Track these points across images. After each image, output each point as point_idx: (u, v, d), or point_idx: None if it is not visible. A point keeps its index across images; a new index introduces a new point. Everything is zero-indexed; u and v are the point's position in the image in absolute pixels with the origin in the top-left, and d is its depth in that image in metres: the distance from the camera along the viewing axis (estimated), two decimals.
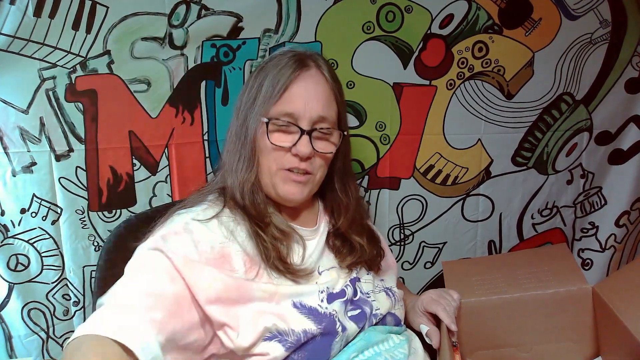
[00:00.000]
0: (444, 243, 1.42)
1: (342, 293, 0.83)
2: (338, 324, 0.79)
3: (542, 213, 1.44)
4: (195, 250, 0.73)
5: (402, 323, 0.93)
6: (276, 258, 0.78)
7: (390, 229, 1.38)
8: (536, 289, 0.97)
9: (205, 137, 1.22)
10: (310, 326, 0.76)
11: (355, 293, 0.86)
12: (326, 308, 0.79)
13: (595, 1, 1.27)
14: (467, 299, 0.99)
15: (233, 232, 0.78)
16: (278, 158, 0.82)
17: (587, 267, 1.48)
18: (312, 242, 0.89)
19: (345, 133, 0.88)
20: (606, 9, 1.29)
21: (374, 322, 0.86)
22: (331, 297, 0.81)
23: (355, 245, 0.90)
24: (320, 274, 0.85)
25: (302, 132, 0.81)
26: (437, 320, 0.91)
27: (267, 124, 0.80)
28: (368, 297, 0.88)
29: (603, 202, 1.45)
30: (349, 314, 0.83)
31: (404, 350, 0.83)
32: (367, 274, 0.92)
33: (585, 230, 1.48)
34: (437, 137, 1.33)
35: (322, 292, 0.81)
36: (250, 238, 0.79)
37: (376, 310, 0.87)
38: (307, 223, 0.92)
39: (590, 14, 1.29)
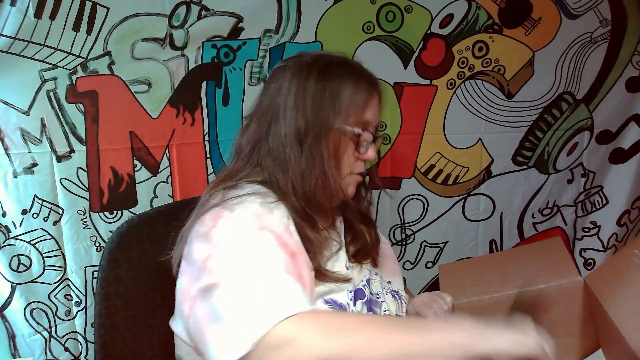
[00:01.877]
0: (445, 243, 1.42)
1: (362, 293, 0.83)
2: None
3: (543, 212, 1.44)
4: (283, 227, 0.74)
5: None
6: (318, 263, 0.78)
7: (391, 228, 1.38)
8: (527, 285, 0.96)
9: (206, 138, 1.22)
10: None
11: (371, 293, 0.86)
12: (353, 309, 0.79)
13: (595, 0, 1.27)
14: (460, 301, 0.99)
15: (290, 220, 0.78)
16: (352, 164, 0.84)
17: (589, 267, 1.48)
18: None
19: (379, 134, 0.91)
20: (606, 8, 1.29)
21: None
22: (355, 297, 0.82)
23: (358, 233, 0.90)
24: (349, 276, 0.84)
25: (375, 139, 0.85)
26: None
27: (358, 134, 0.81)
28: (378, 298, 0.87)
29: (604, 202, 1.45)
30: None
31: None
32: (376, 275, 0.91)
33: (587, 230, 1.48)
34: (438, 137, 1.33)
35: (350, 292, 0.81)
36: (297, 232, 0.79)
37: (384, 311, 0.86)
38: (331, 224, 0.91)
39: (590, 13, 1.29)
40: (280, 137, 0.79)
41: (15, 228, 1.14)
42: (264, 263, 0.66)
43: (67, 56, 1.09)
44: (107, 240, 1.18)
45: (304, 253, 0.75)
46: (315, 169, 0.78)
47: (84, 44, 1.09)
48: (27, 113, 1.10)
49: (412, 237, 1.40)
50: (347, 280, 0.81)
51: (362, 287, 0.85)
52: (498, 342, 0.59)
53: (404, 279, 1.39)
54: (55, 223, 1.16)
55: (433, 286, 1.45)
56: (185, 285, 0.71)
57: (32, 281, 1.17)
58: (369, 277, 0.89)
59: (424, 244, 1.42)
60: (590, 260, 1.49)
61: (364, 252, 0.89)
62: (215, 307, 0.62)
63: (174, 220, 0.91)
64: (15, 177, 1.12)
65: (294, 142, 0.78)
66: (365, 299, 0.83)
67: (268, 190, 0.80)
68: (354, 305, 0.80)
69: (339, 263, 0.83)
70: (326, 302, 0.77)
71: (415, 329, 0.61)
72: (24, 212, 1.14)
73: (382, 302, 0.88)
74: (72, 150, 1.14)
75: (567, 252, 1.03)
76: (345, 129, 0.80)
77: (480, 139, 1.35)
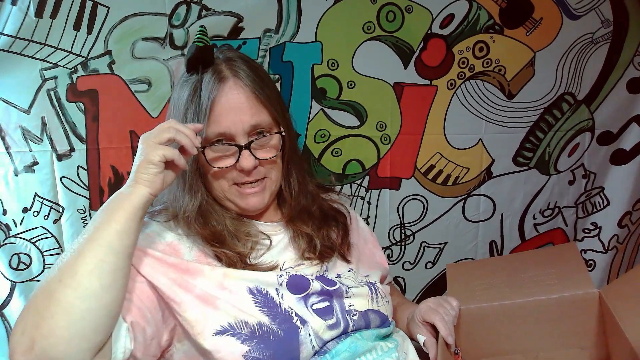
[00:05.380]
0: (445, 243, 1.42)
1: (303, 286, 0.81)
2: (295, 318, 0.77)
3: (543, 213, 1.44)
4: (149, 243, 0.78)
5: (390, 320, 0.91)
6: (235, 262, 0.80)
7: (391, 229, 1.38)
8: (540, 294, 0.94)
9: None
10: (265, 320, 0.76)
11: (322, 287, 0.83)
12: (282, 297, 0.78)
13: (597, 1, 1.27)
14: (468, 305, 0.96)
15: (187, 235, 0.81)
16: (226, 176, 0.83)
17: (590, 268, 1.47)
18: (276, 237, 0.88)
19: (283, 133, 0.85)
20: (608, 9, 1.28)
21: (353, 319, 0.83)
22: (290, 286, 0.80)
23: (300, 233, 0.89)
24: (282, 269, 0.84)
25: (241, 148, 0.80)
26: (436, 330, 0.89)
27: (202, 151, 0.79)
28: (347, 293, 0.85)
29: (605, 203, 1.45)
30: (314, 307, 0.80)
31: (391, 359, 0.81)
32: (349, 271, 0.90)
33: (587, 231, 1.48)
34: (438, 137, 1.33)
35: (280, 277, 0.81)
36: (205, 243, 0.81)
37: (349, 306, 0.84)
38: (273, 216, 0.92)
39: (591, 13, 1.28)
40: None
41: (16, 226, 1.15)
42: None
43: (67, 55, 1.10)
44: None
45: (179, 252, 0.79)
46: (188, 196, 0.82)
47: (85, 43, 1.10)
48: (27, 112, 1.10)
49: (411, 237, 1.40)
50: (271, 268, 0.82)
51: (309, 278, 0.83)
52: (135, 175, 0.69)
53: (403, 278, 1.41)
54: (55, 221, 1.17)
55: (432, 286, 1.44)
56: None
57: (32, 280, 1.18)
58: (339, 272, 0.89)
59: (424, 244, 1.41)
60: (591, 262, 1.48)
61: (316, 251, 0.88)
62: None
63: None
64: (16, 175, 1.12)
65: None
66: (307, 293, 0.81)
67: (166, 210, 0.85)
68: (285, 297, 0.79)
69: (266, 256, 0.84)
70: (250, 291, 0.78)
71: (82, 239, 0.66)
72: (25, 210, 1.14)
73: (350, 296, 0.85)
74: (72, 149, 1.15)
75: (582, 260, 1.00)
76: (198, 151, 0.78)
77: (480, 139, 1.35)
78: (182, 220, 0.81)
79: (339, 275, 0.88)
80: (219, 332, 0.73)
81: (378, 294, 0.90)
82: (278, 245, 0.87)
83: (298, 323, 0.77)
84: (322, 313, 0.80)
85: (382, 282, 0.98)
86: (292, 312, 0.78)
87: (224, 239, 0.81)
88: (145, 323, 0.72)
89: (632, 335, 0.82)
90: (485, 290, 1.00)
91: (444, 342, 0.85)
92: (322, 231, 0.90)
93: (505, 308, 0.96)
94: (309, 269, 0.86)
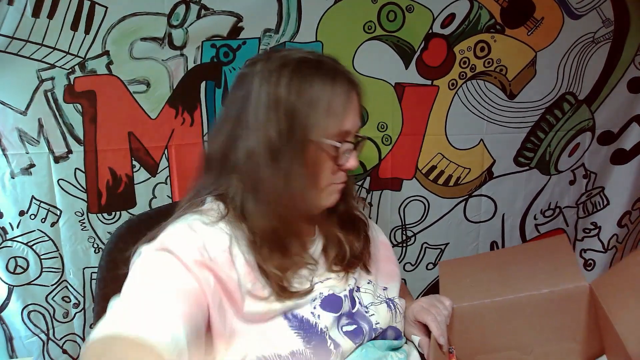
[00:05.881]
0: (446, 244, 1.41)
1: (337, 305, 0.79)
2: (329, 341, 0.75)
3: (544, 214, 1.43)
4: (200, 250, 0.70)
5: (403, 335, 0.90)
6: (278, 284, 0.74)
7: (392, 230, 1.37)
8: (531, 289, 0.94)
9: (206, 138, 1.21)
10: (299, 345, 0.72)
11: (353, 305, 0.81)
12: (318, 317, 0.75)
13: (598, 0, 1.26)
14: (461, 304, 0.95)
15: (237, 238, 0.74)
16: (332, 176, 0.78)
17: (589, 268, 1.48)
18: (312, 248, 0.85)
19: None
20: (609, 8, 1.28)
21: (374, 337, 0.82)
22: (325, 305, 0.77)
23: (334, 241, 0.85)
24: (313, 286, 0.79)
25: (355, 147, 0.78)
26: (428, 329, 0.88)
27: (335, 146, 0.75)
28: (367, 312, 0.83)
29: (605, 203, 1.45)
30: (344, 329, 0.78)
31: None
32: (368, 283, 0.88)
33: (587, 231, 1.48)
34: (439, 138, 1.32)
35: (314, 300, 0.77)
36: (250, 249, 0.75)
37: (376, 324, 0.83)
38: (309, 232, 0.87)
39: (592, 13, 1.28)
40: (250, 153, 0.73)
41: (13, 229, 1.13)
42: (137, 282, 0.66)
43: (65, 56, 1.08)
44: (105, 242, 1.17)
45: (233, 272, 0.71)
46: (291, 186, 0.72)
47: (82, 43, 1.08)
48: (24, 113, 1.09)
49: (412, 238, 1.40)
50: (307, 292, 0.77)
51: (342, 298, 0.80)
52: None
53: (404, 279, 1.40)
54: (53, 224, 1.15)
55: (434, 287, 1.44)
56: None
57: (29, 283, 1.16)
58: (358, 285, 0.86)
59: (425, 245, 1.41)
60: (591, 261, 1.48)
61: (344, 260, 0.84)
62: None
63: None
64: (12, 178, 1.11)
65: (267, 158, 0.72)
66: (341, 312, 0.78)
67: (216, 204, 0.77)
68: (320, 317, 0.76)
69: (301, 279, 0.78)
70: (286, 317, 0.74)
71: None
72: (22, 213, 1.13)
73: (372, 315, 0.83)
74: (69, 151, 1.13)
75: (573, 253, 1.00)
76: (322, 143, 0.74)
77: (481, 139, 1.34)
78: (274, 218, 0.74)
79: (358, 290, 0.85)
80: None
81: (397, 310, 0.88)
82: (314, 255, 0.84)
83: (332, 347, 0.74)
84: (353, 336, 0.78)
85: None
86: (327, 335, 0.75)
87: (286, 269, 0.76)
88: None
89: (621, 327, 0.82)
90: (477, 287, 0.99)
91: (436, 342, 0.84)
92: (349, 237, 0.87)
93: (497, 304, 0.95)
94: (338, 285, 0.82)
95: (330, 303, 0.78)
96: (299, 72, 0.74)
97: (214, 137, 0.80)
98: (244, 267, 0.73)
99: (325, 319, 0.76)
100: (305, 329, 0.74)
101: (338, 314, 0.78)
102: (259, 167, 0.73)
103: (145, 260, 0.69)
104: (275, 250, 0.75)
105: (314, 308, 0.77)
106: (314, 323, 0.75)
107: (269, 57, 0.76)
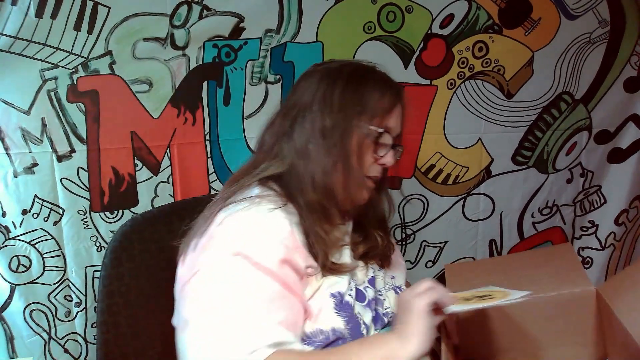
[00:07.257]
0: (445, 242, 1.42)
1: (362, 295, 0.83)
2: (363, 326, 0.79)
3: (542, 212, 1.45)
4: (276, 246, 0.73)
5: None
6: (327, 259, 0.79)
7: (391, 228, 1.38)
8: (537, 292, 0.93)
9: (207, 138, 1.22)
10: (339, 325, 0.76)
11: (372, 293, 0.85)
12: (354, 304, 0.80)
13: (594, 1, 1.28)
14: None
15: (291, 219, 0.77)
16: (369, 166, 0.84)
17: (587, 266, 1.49)
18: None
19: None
20: (605, 9, 1.29)
21: (386, 323, 0.85)
22: (357, 296, 0.82)
23: (370, 235, 0.91)
24: (354, 265, 0.85)
25: (394, 146, 0.85)
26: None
27: (380, 134, 0.82)
28: (380, 295, 0.88)
29: (602, 201, 1.46)
30: (370, 315, 0.82)
31: None
32: (379, 270, 0.92)
33: (585, 229, 1.49)
34: (438, 137, 1.34)
35: (352, 282, 0.82)
36: (300, 228, 0.78)
37: (386, 308, 0.87)
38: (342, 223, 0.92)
39: (589, 13, 1.29)
40: (304, 132, 0.81)
41: (15, 228, 1.13)
42: (230, 298, 0.68)
43: (68, 56, 1.09)
44: (107, 241, 1.17)
45: (304, 256, 0.76)
46: (338, 163, 0.80)
47: (85, 43, 1.09)
48: (27, 113, 1.09)
49: (412, 236, 1.41)
50: (351, 269, 0.82)
51: (363, 290, 0.84)
52: (413, 349, 0.68)
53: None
54: (55, 223, 1.16)
55: None
56: (180, 275, 0.78)
57: (31, 282, 1.17)
58: (374, 275, 0.89)
59: (424, 243, 1.42)
60: (588, 259, 1.49)
61: (372, 254, 0.90)
62: (185, 345, 0.68)
63: (177, 219, 0.92)
64: (15, 177, 1.11)
65: (319, 136, 0.80)
66: (367, 301, 0.83)
67: (274, 193, 0.80)
68: (354, 303, 0.80)
69: (344, 257, 0.84)
70: (332, 295, 0.78)
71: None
72: (24, 212, 1.13)
73: (384, 299, 0.88)
74: (72, 150, 1.14)
75: (578, 259, 1.02)
76: (368, 129, 0.81)
77: (480, 138, 1.35)
78: (321, 191, 0.80)
79: (373, 278, 0.89)
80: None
81: None
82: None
83: (364, 332, 0.79)
84: (375, 322, 0.83)
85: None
86: (360, 319, 0.79)
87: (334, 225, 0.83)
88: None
89: (636, 330, 0.82)
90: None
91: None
92: (385, 239, 0.94)
93: (502, 307, 0.95)
94: (360, 275, 0.87)
95: (358, 294, 0.82)
96: (357, 72, 0.85)
97: (271, 124, 0.87)
98: (302, 248, 0.77)
99: (357, 305, 0.80)
100: (346, 310, 0.78)
101: (365, 302, 0.83)
102: (311, 145, 0.80)
103: (223, 269, 0.71)
104: (323, 220, 0.80)
105: (351, 290, 0.81)
106: (352, 305, 0.79)
107: (332, 62, 0.89)
